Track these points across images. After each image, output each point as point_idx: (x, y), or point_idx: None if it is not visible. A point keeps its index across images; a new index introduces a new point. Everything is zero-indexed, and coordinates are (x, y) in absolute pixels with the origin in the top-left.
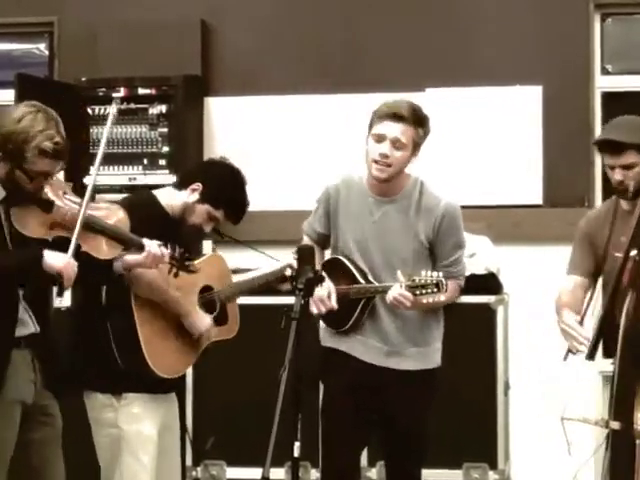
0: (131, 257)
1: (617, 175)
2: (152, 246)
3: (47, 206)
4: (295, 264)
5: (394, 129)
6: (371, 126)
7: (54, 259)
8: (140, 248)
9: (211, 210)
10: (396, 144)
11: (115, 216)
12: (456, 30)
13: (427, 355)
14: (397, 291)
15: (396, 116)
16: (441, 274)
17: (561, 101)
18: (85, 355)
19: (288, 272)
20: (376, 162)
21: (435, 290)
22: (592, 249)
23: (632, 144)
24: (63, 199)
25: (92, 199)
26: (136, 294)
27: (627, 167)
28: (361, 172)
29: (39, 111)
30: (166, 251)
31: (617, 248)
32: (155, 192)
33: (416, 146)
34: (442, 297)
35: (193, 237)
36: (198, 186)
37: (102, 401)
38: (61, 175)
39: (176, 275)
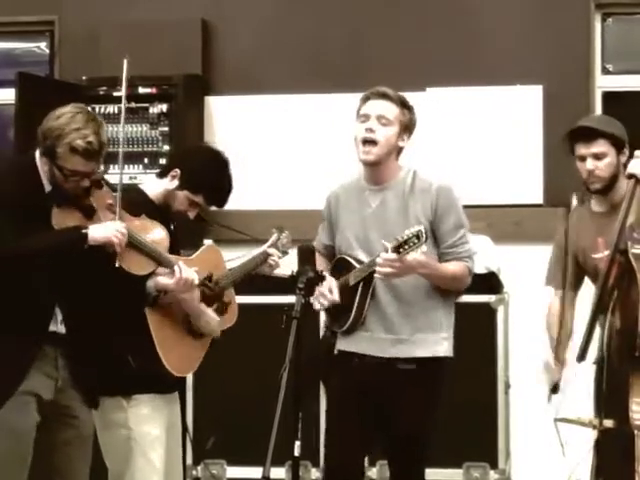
0: (162, 279)
1: (588, 165)
2: (183, 271)
3: (89, 212)
4: (271, 251)
5: (378, 106)
6: (358, 112)
7: (98, 232)
8: (170, 269)
9: (190, 195)
10: (381, 120)
11: (152, 232)
12: (457, 29)
13: (434, 343)
14: (381, 257)
15: (379, 94)
16: (422, 226)
17: (562, 100)
18: (93, 360)
19: (271, 251)
20: (363, 142)
21: (416, 241)
22: (573, 259)
23: (604, 132)
24: (106, 209)
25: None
26: None
27: (598, 157)
28: (359, 172)
29: (80, 112)
30: (197, 276)
31: (594, 250)
32: (142, 186)
33: (403, 127)
34: (425, 247)
35: (184, 226)
36: (176, 172)
37: (111, 403)
38: None
39: (209, 305)
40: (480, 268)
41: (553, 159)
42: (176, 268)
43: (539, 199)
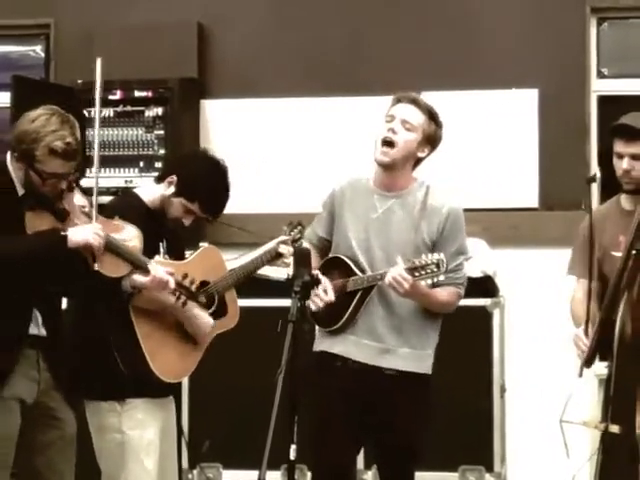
0: (137, 278)
1: (625, 164)
2: (157, 271)
3: (61, 215)
4: (285, 239)
5: (405, 110)
6: (387, 113)
7: (78, 234)
8: (145, 271)
9: (186, 203)
10: (405, 124)
11: (126, 234)
12: (453, 33)
13: (421, 358)
14: (397, 271)
15: (409, 99)
16: (442, 254)
17: (557, 104)
18: (86, 364)
19: (281, 249)
20: (383, 143)
21: (435, 270)
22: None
23: None
24: (79, 212)
25: (110, 216)
26: (134, 305)
27: (636, 157)
28: (367, 174)
29: (54, 114)
30: (172, 278)
31: (615, 247)
32: (137, 190)
33: (425, 138)
34: (442, 277)
35: (180, 231)
36: (173, 179)
37: (105, 407)
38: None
39: (184, 304)
40: (476, 272)
41: (549, 162)
42: (150, 267)
43: (534, 203)
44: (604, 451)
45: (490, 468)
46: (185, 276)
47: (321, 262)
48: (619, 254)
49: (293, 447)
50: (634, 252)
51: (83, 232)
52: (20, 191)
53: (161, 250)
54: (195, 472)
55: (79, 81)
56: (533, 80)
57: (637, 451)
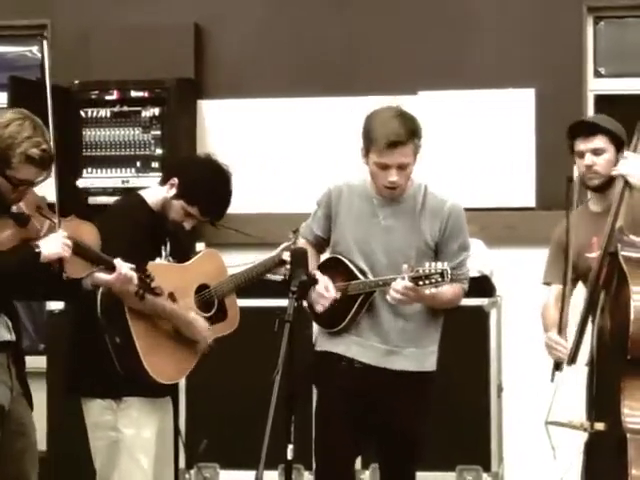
0: (101, 275)
1: (586, 160)
2: (122, 268)
3: (23, 221)
4: (289, 245)
5: (396, 156)
6: (368, 149)
7: (49, 248)
8: (111, 268)
9: (186, 206)
10: (401, 167)
11: (86, 233)
12: (449, 33)
13: (425, 356)
14: (400, 284)
15: (395, 143)
16: (445, 263)
17: (554, 104)
18: (83, 364)
19: (285, 256)
20: (385, 187)
21: (440, 279)
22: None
23: (603, 128)
24: (38, 214)
25: (64, 215)
26: (130, 307)
27: (596, 152)
28: (363, 175)
29: (26, 118)
30: (135, 274)
31: (588, 249)
32: (142, 192)
33: (416, 155)
34: (446, 287)
35: (181, 233)
36: (175, 181)
37: (101, 405)
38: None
39: (142, 297)
40: (473, 271)
41: (545, 162)
42: (116, 264)
43: (531, 202)
44: (591, 450)
45: (487, 468)
46: (145, 269)
47: (320, 262)
48: (593, 255)
49: (290, 447)
50: (608, 255)
51: (54, 245)
52: None
53: (163, 252)
54: (192, 472)
55: (76, 81)
56: (530, 80)
57: (626, 443)
